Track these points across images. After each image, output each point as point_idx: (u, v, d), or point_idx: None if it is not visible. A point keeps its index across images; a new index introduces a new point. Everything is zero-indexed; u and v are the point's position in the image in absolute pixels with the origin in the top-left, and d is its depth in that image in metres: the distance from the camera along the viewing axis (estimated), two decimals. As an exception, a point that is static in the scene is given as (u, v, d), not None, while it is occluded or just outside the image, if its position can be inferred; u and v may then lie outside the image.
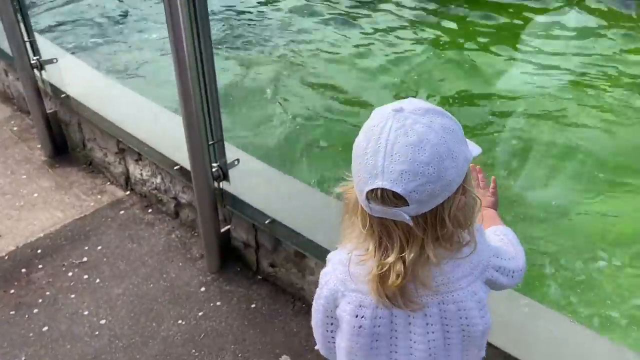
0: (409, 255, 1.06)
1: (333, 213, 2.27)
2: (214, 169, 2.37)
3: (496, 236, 1.33)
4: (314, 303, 1.27)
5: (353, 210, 1.14)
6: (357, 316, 1.16)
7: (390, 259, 1.07)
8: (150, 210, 3.07)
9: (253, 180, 2.53)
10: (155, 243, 2.85)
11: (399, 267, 1.06)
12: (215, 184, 2.43)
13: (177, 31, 1.98)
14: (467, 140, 1.09)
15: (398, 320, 1.15)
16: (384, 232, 1.08)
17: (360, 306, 1.15)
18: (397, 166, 0.98)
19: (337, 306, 1.20)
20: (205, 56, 2.10)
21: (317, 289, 1.24)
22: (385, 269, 1.08)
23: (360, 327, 1.16)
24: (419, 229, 1.04)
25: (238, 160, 2.47)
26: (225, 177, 2.43)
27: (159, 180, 2.95)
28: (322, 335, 1.30)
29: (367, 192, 1.03)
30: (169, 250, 2.80)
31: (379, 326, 1.16)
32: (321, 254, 2.20)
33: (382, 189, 1.00)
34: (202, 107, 2.18)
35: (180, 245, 2.82)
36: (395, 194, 1.00)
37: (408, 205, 1.01)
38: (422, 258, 1.07)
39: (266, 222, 2.32)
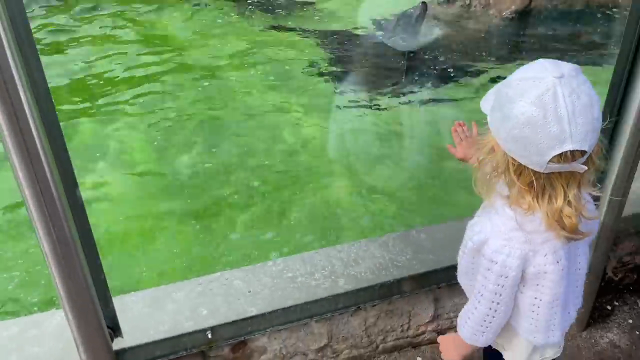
0: (571, 195, 1.24)
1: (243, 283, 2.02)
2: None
3: None
4: (493, 286, 1.34)
5: (506, 171, 1.26)
6: (558, 262, 1.31)
7: (559, 203, 1.25)
8: None
9: (144, 313, 1.94)
10: None
11: (568, 210, 1.25)
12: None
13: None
14: None
15: (572, 251, 1.36)
16: (547, 184, 1.24)
17: (555, 252, 1.30)
18: (582, 128, 1.14)
19: (526, 268, 1.31)
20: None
21: (497, 270, 1.32)
22: (557, 214, 1.25)
23: (562, 269, 1.32)
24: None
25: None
26: (115, 331, 1.81)
27: None
28: (505, 313, 1.39)
29: (555, 156, 1.16)
30: None
31: (567, 261, 1.33)
32: (273, 318, 2.00)
33: (571, 151, 1.16)
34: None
35: None
36: (580, 151, 1.17)
37: (583, 157, 1.19)
38: (579, 195, 1.26)
39: (208, 335, 1.89)
